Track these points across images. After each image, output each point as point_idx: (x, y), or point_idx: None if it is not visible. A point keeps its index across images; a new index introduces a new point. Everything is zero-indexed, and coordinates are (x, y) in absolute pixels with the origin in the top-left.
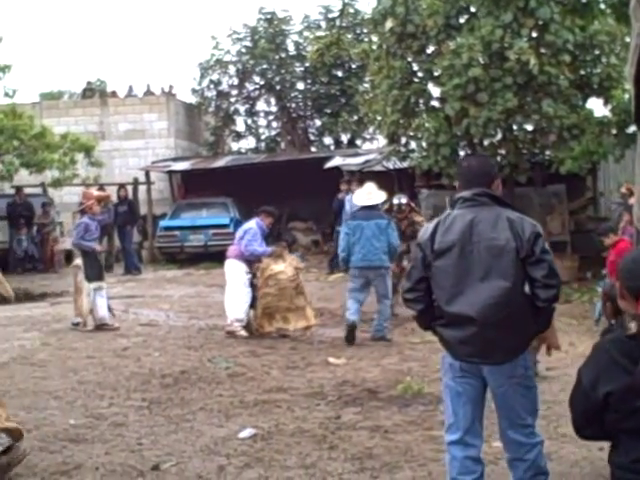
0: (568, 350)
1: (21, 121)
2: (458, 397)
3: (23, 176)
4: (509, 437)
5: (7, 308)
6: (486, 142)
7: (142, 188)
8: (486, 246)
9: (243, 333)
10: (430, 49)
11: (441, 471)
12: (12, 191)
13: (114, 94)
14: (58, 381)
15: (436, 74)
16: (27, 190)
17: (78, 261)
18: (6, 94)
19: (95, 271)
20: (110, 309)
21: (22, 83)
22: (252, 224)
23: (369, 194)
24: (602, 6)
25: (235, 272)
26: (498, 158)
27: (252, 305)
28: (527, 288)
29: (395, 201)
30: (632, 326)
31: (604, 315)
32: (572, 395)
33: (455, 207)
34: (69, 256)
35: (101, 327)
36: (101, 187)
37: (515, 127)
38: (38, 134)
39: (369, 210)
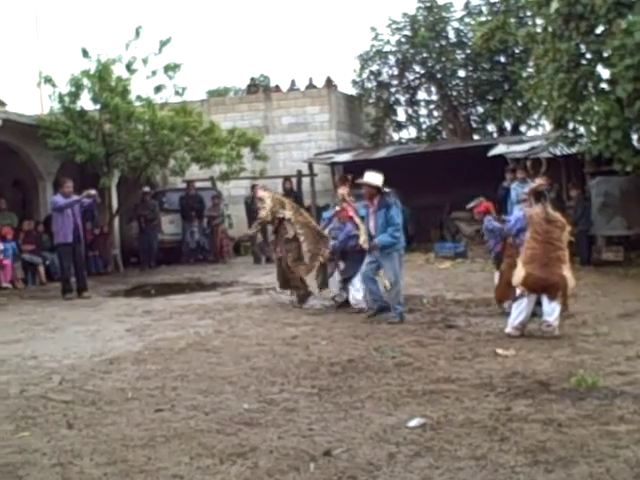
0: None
1: (191, 118)
2: None
3: (193, 170)
4: None
5: (182, 297)
6: None
7: (306, 180)
8: None
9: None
10: (599, 29)
11: (620, 468)
12: (184, 185)
13: (277, 89)
14: (231, 367)
15: (606, 55)
16: (197, 184)
17: None
18: (176, 92)
19: None
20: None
21: (190, 81)
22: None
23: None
24: None
25: None
26: None
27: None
28: None
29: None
30: None
31: None
32: None
33: None
34: (237, 247)
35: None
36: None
37: None
38: (207, 130)
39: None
